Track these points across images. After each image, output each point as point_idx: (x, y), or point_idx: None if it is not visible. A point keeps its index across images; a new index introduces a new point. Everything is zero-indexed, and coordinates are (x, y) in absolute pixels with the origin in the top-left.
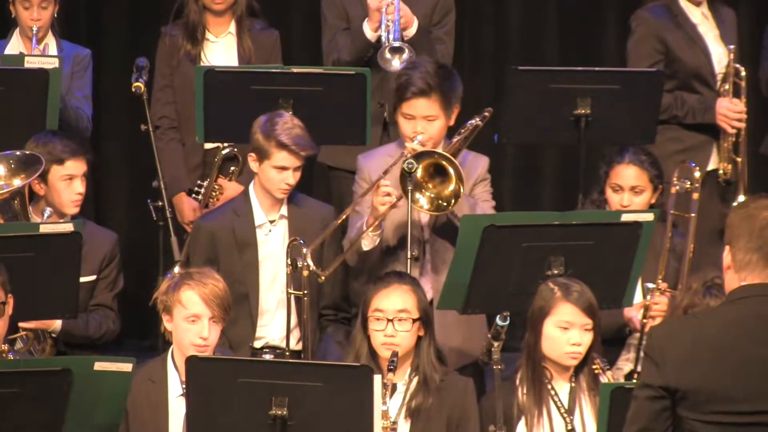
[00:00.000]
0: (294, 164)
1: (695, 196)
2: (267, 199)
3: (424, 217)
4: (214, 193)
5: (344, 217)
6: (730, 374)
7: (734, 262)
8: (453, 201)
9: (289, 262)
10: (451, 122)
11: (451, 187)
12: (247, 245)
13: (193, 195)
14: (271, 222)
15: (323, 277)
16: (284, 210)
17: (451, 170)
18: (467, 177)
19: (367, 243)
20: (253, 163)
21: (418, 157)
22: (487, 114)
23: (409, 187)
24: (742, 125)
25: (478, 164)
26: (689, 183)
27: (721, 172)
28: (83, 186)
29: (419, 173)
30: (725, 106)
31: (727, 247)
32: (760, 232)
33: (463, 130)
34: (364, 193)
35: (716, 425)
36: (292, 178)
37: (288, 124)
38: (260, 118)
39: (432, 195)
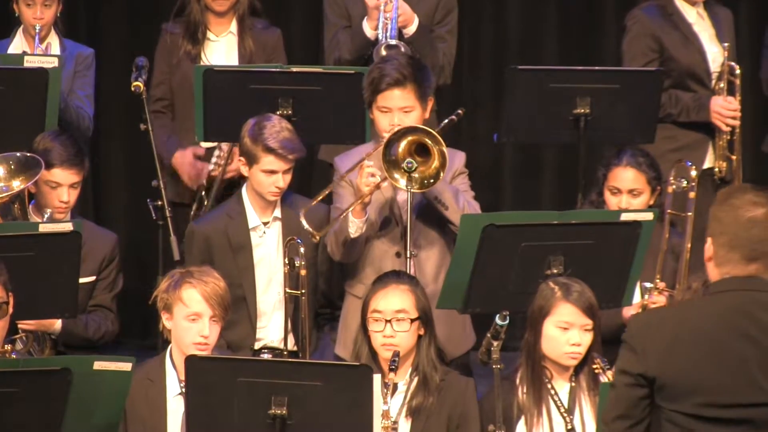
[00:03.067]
0: (282, 167)
1: (692, 195)
2: (260, 202)
3: (401, 196)
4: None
5: (355, 204)
6: (709, 367)
7: (716, 256)
8: (433, 180)
9: (287, 261)
10: (427, 115)
11: (432, 167)
12: (241, 248)
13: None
14: (265, 224)
15: (318, 237)
16: (278, 212)
17: (434, 150)
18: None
19: (354, 230)
20: (243, 167)
21: (403, 133)
22: (460, 112)
23: (410, 189)
24: (737, 123)
25: (455, 157)
26: (686, 182)
27: (716, 170)
28: (69, 196)
29: (400, 149)
30: (720, 104)
31: (709, 239)
32: (743, 233)
33: (442, 126)
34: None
35: (695, 418)
36: (281, 181)
37: (276, 127)
38: (248, 122)
39: (414, 174)
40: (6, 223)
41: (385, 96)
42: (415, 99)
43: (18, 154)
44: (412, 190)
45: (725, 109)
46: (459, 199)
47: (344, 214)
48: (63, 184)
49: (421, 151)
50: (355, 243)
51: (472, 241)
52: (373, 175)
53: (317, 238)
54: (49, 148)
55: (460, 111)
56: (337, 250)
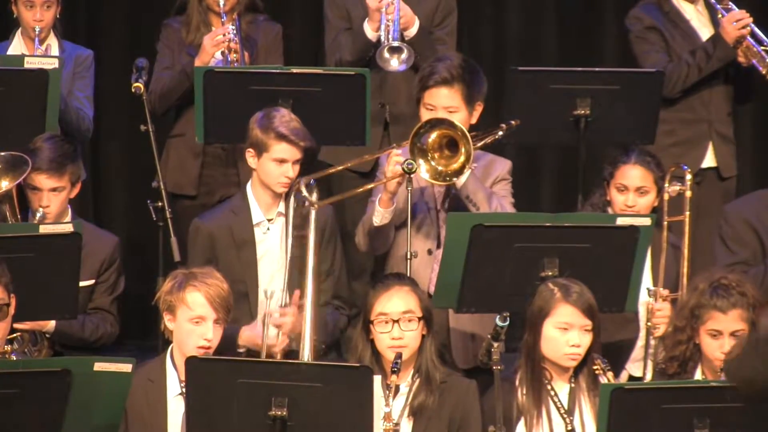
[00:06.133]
0: (293, 156)
1: (688, 194)
2: (265, 198)
3: (438, 190)
4: None
5: (368, 187)
6: None
7: None
8: (453, 177)
9: (294, 204)
10: (474, 120)
11: (457, 163)
12: (245, 244)
13: None
14: (269, 220)
15: (316, 206)
16: (282, 208)
17: (462, 148)
18: (487, 174)
19: (378, 219)
20: (251, 159)
21: (436, 123)
22: (513, 123)
23: (409, 189)
24: (750, 19)
25: (500, 164)
26: (679, 185)
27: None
28: (49, 201)
29: (430, 140)
30: (727, 19)
31: None
32: None
33: (485, 133)
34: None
35: None
36: (291, 171)
37: (285, 117)
38: (256, 114)
39: (437, 166)
40: (6, 224)
41: (432, 93)
42: (461, 100)
43: (3, 153)
44: (432, 183)
45: (735, 18)
46: (492, 202)
47: (372, 200)
48: (42, 188)
49: (450, 145)
50: (379, 233)
51: (460, 240)
52: (399, 164)
53: (316, 207)
54: (36, 150)
55: (513, 122)
56: (363, 240)
